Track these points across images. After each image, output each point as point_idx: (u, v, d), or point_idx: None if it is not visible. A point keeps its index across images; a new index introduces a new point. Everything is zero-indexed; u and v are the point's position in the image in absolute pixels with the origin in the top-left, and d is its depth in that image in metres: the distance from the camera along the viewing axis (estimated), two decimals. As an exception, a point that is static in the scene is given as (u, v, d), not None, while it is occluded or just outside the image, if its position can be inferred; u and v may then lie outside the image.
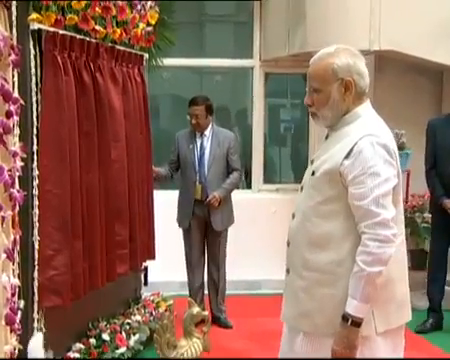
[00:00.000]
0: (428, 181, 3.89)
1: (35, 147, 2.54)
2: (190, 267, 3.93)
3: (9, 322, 1.91)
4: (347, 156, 1.69)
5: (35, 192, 2.52)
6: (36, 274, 2.53)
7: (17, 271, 2.12)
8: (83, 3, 2.75)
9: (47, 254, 2.58)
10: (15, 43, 2.08)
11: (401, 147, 4.35)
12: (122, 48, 3.24)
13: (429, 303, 3.89)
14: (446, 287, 3.96)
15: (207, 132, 3.89)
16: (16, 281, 2.02)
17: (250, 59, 4.96)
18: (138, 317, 3.41)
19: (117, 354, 3.07)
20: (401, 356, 1.82)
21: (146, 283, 3.74)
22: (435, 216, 3.94)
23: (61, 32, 2.65)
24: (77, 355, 2.86)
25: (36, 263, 2.53)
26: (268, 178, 5.08)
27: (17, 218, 2.03)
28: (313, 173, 1.77)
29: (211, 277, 3.94)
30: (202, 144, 3.88)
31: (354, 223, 1.69)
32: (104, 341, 3.04)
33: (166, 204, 3.99)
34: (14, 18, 2.20)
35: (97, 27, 2.89)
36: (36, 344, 2.49)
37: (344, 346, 1.67)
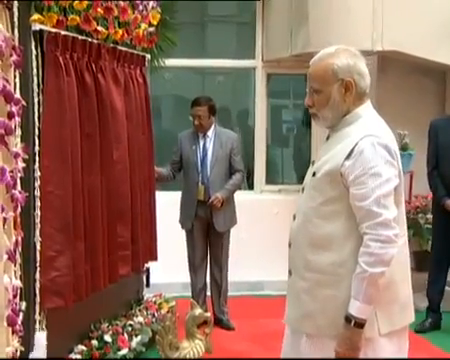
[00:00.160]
0: (430, 182, 3.88)
1: (37, 148, 2.54)
2: (192, 268, 3.92)
3: (11, 323, 1.90)
4: (348, 157, 1.69)
5: (37, 193, 2.52)
6: (38, 275, 2.53)
7: (19, 272, 2.11)
8: (85, 4, 2.75)
9: (49, 255, 2.58)
10: (17, 44, 2.07)
11: (404, 148, 4.34)
12: (124, 49, 3.24)
13: (428, 303, 3.91)
14: (446, 287, 3.96)
15: (210, 133, 3.89)
16: (18, 282, 2.02)
17: (252, 60, 4.95)
18: (140, 318, 3.40)
19: (119, 356, 3.07)
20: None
21: (148, 285, 3.73)
22: (436, 217, 3.92)
23: (63, 33, 2.65)
24: (79, 357, 2.86)
25: (38, 264, 2.53)
26: (270, 179, 5.07)
27: (19, 219, 2.03)
28: (314, 174, 1.77)
29: (214, 278, 3.93)
30: (205, 145, 3.87)
31: (355, 224, 1.69)
32: (106, 343, 3.04)
33: (168, 205, 3.98)
34: (16, 19, 2.19)
35: (99, 28, 2.89)
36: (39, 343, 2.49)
37: (347, 348, 1.67)
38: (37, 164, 2.53)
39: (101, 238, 2.91)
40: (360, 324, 1.66)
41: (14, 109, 1.94)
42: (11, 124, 1.92)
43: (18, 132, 2.10)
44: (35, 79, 2.51)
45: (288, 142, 5.48)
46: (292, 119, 5.44)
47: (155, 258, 3.61)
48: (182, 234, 3.94)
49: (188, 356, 2.93)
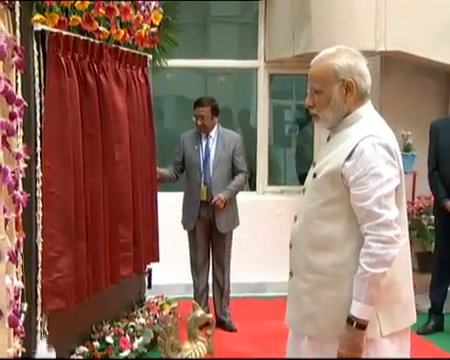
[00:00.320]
0: (431, 183, 3.87)
1: (39, 149, 2.53)
2: (195, 270, 3.91)
3: (12, 325, 1.90)
4: (348, 157, 1.69)
5: (39, 194, 2.51)
6: (40, 276, 2.52)
7: (20, 273, 2.11)
8: (87, 4, 2.74)
9: (51, 256, 2.57)
10: (18, 44, 2.07)
11: (407, 148, 4.32)
12: (126, 49, 3.24)
13: (431, 305, 3.89)
14: (449, 289, 3.94)
15: (212, 133, 3.88)
16: (19, 284, 2.02)
17: (254, 60, 4.94)
18: (142, 320, 3.40)
19: (121, 357, 3.06)
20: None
21: (150, 286, 3.72)
22: (438, 218, 3.91)
23: (65, 33, 2.64)
24: (80, 358, 2.85)
25: (40, 265, 2.52)
26: (273, 180, 5.06)
27: (21, 220, 2.02)
28: (315, 175, 1.77)
29: (216, 280, 3.92)
30: (207, 145, 3.86)
31: (356, 224, 1.69)
32: (108, 344, 3.03)
33: (170, 206, 3.97)
34: (17, 19, 2.19)
35: (101, 28, 2.88)
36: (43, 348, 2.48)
37: (349, 349, 1.67)
38: (39, 165, 2.52)
39: (103, 239, 2.90)
40: (362, 325, 1.65)
41: (16, 110, 1.94)
42: (13, 125, 1.91)
43: (20, 133, 2.10)
44: (37, 80, 2.50)
45: (290, 143, 5.47)
46: (294, 120, 5.43)
47: (157, 259, 3.60)
48: (184, 235, 3.93)
49: (190, 357, 2.91)
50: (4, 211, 1.85)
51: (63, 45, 2.62)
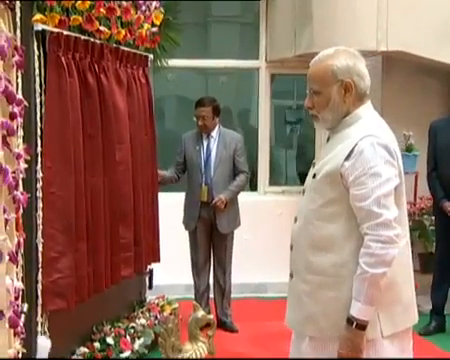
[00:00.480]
0: (429, 183, 3.87)
1: (39, 149, 2.52)
2: (195, 270, 3.90)
3: (12, 325, 1.89)
4: (348, 157, 1.69)
5: (39, 194, 2.51)
6: (40, 277, 2.51)
7: (21, 274, 2.10)
8: (87, 4, 2.74)
9: (51, 257, 2.56)
10: (19, 44, 2.06)
11: (409, 149, 4.31)
12: (127, 49, 3.23)
13: (432, 306, 3.88)
14: None
15: (214, 133, 3.87)
16: (20, 284, 2.01)
17: (256, 60, 4.93)
18: (143, 320, 3.39)
19: (121, 358, 3.05)
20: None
21: (151, 286, 3.71)
22: (438, 219, 3.90)
23: (65, 33, 2.64)
24: (81, 359, 2.84)
25: (40, 266, 2.52)
26: (274, 180, 5.04)
27: (21, 220, 2.01)
28: (314, 176, 1.77)
29: (217, 280, 3.91)
30: (208, 146, 3.85)
31: (356, 224, 1.69)
32: (108, 345, 3.03)
33: (171, 206, 3.97)
34: (18, 19, 2.18)
35: (101, 28, 2.88)
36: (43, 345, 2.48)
37: (349, 349, 1.66)
38: (39, 165, 2.51)
39: (103, 239, 2.90)
40: (362, 326, 1.65)
41: (16, 110, 1.93)
42: (13, 125, 1.90)
43: (20, 133, 2.09)
44: (37, 79, 2.50)
45: (292, 143, 5.46)
46: (296, 120, 5.41)
47: (158, 260, 3.59)
48: (185, 235, 3.92)
49: (191, 358, 2.91)
50: (4, 211, 1.84)
51: (64, 45, 2.62)
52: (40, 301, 2.52)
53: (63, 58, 2.61)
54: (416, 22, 4.04)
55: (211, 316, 3.14)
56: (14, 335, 1.94)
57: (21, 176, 2.00)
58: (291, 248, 1.83)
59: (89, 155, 2.79)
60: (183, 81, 5.23)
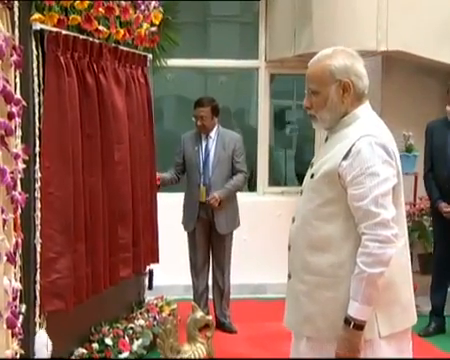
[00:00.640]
0: (425, 184, 3.87)
1: (37, 149, 2.51)
2: (194, 271, 3.89)
3: (10, 326, 1.88)
4: (345, 157, 1.69)
5: (37, 195, 2.50)
6: (38, 277, 2.50)
7: (19, 274, 2.09)
8: (86, 3, 2.73)
9: (49, 257, 2.55)
10: (17, 43, 2.05)
11: (409, 149, 4.30)
12: (125, 49, 3.22)
13: (432, 308, 3.88)
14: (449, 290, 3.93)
15: (212, 134, 3.86)
16: (18, 285, 2.00)
17: (255, 60, 4.92)
18: (141, 321, 3.38)
19: (120, 359, 3.05)
20: None
21: (151, 287, 3.69)
22: (436, 220, 3.89)
23: (64, 32, 2.63)
24: (79, 360, 2.83)
25: (38, 266, 2.51)
26: (273, 181, 5.04)
27: (19, 221, 2.01)
28: (312, 176, 1.77)
29: (216, 281, 3.90)
30: (207, 146, 3.84)
31: (354, 225, 1.69)
32: (107, 346, 3.02)
33: (170, 207, 3.96)
34: (16, 18, 2.17)
35: (100, 27, 2.87)
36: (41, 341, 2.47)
37: (347, 349, 1.66)
38: (37, 165, 2.51)
39: (102, 240, 2.89)
40: (359, 326, 1.65)
41: (14, 110, 1.92)
42: (11, 125, 1.89)
43: (18, 133, 2.08)
44: (36, 79, 2.49)
45: (291, 143, 5.45)
46: (295, 120, 5.41)
47: (157, 260, 3.58)
48: (184, 236, 3.91)
49: (189, 359, 2.90)
50: (2, 212, 1.83)
51: (62, 44, 2.61)
52: (38, 302, 2.51)
53: (62, 58, 2.60)
54: (416, 22, 4.04)
55: (210, 317, 3.13)
56: (12, 336, 1.93)
57: (19, 176, 1.99)
58: (289, 248, 1.83)
59: (88, 155, 2.79)
60: (182, 81, 5.22)
